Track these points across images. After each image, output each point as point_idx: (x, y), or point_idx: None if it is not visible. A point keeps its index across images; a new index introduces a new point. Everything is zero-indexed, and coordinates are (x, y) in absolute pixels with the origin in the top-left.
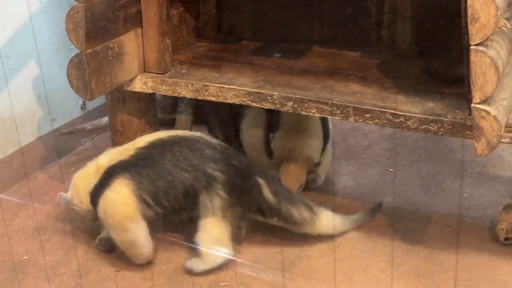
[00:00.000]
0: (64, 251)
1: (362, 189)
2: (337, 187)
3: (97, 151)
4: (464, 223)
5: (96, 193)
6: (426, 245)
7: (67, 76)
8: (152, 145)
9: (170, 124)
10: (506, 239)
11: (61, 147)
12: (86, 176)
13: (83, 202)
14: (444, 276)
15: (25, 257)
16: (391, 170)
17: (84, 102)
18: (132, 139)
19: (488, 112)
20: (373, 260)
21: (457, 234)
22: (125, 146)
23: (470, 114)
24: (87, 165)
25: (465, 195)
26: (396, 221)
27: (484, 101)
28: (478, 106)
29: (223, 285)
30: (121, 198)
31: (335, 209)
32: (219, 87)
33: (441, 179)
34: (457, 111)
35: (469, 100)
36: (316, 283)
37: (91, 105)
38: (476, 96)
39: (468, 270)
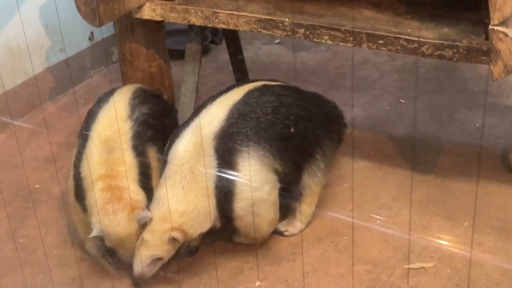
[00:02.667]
0: None
1: (373, 120)
2: (348, 118)
3: (107, 83)
4: (475, 153)
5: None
6: (437, 175)
7: (75, 1)
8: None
9: (179, 57)
10: None
11: (70, 78)
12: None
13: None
14: (454, 204)
15: (37, 186)
16: (403, 101)
17: (91, 32)
18: (141, 69)
19: (506, 34)
20: (384, 189)
21: (468, 164)
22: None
23: (486, 38)
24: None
25: (477, 125)
26: (407, 151)
27: (502, 23)
28: (496, 28)
29: None
30: (271, 196)
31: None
32: (229, 14)
33: (453, 110)
34: (472, 36)
35: (486, 24)
36: (326, 211)
37: (99, 35)
38: (494, 17)
39: (479, 198)
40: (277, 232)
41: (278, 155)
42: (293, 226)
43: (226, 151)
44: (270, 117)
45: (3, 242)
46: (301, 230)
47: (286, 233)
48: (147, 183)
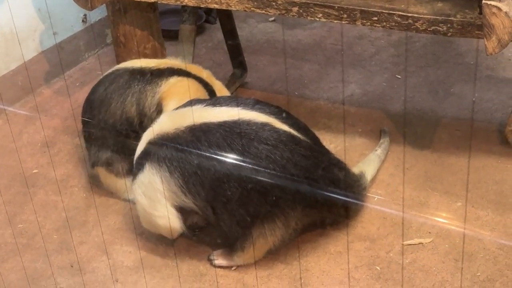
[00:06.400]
0: (73, 164)
1: (370, 96)
2: (344, 95)
3: (101, 65)
4: (472, 127)
5: None
6: (434, 150)
7: None
8: None
9: (174, 37)
10: None
11: (65, 61)
12: None
13: None
14: (452, 179)
15: (35, 171)
16: (399, 76)
17: (85, 15)
18: (135, 51)
19: (499, 9)
20: (381, 166)
21: (465, 138)
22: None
23: (480, 13)
24: None
25: (474, 99)
26: (404, 127)
27: None
28: (489, 2)
29: None
30: None
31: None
32: None
33: (449, 84)
34: (467, 10)
35: None
36: None
37: (93, 18)
38: None
39: (477, 172)
40: (208, 259)
41: (191, 194)
42: (224, 259)
43: (147, 151)
44: (226, 158)
45: (3, 227)
46: (234, 267)
47: (214, 262)
48: None
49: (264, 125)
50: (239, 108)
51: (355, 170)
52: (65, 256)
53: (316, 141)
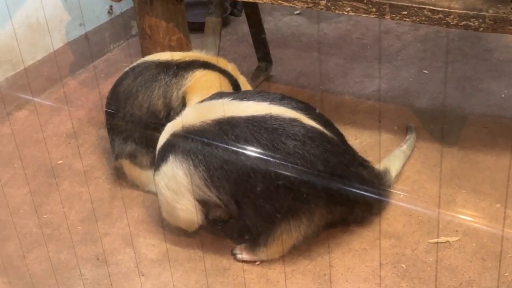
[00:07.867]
0: (97, 155)
1: (396, 91)
2: (370, 90)
3: (126, 57)
4: (500, 124)
5: None
6: (461, 147)
7: None
8: None
9: (199, 29)
10: None
11: (90, 53)
12: None
13: None
14: (479, 176)
15: (60, 162)
16: (426, 72)
17: (111, 6)
18: (161, 43)
19: None
20: (407, 162)
21: (493, 135)
22: None
23: None
24: None
25: (502, 96)
26: (431, 123)
27: None
28: None
29: None
30: None
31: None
32: None
33: (477, 80)
34: (499, 5)
35: None
36: None
37: (118, 9)
38: None
39: (504, 170)
40: (232, 253)
41: (216, 188)
42: (248, 254)
43: (171, 143)
44: (249, 153)
45: (28, 217)
46: (258, 262)
47: (238, 256)
48: None
49: (292, 120)
50: (267, 103)
51: (380, 166)
52: (90, 247)
53: (341, 138)
